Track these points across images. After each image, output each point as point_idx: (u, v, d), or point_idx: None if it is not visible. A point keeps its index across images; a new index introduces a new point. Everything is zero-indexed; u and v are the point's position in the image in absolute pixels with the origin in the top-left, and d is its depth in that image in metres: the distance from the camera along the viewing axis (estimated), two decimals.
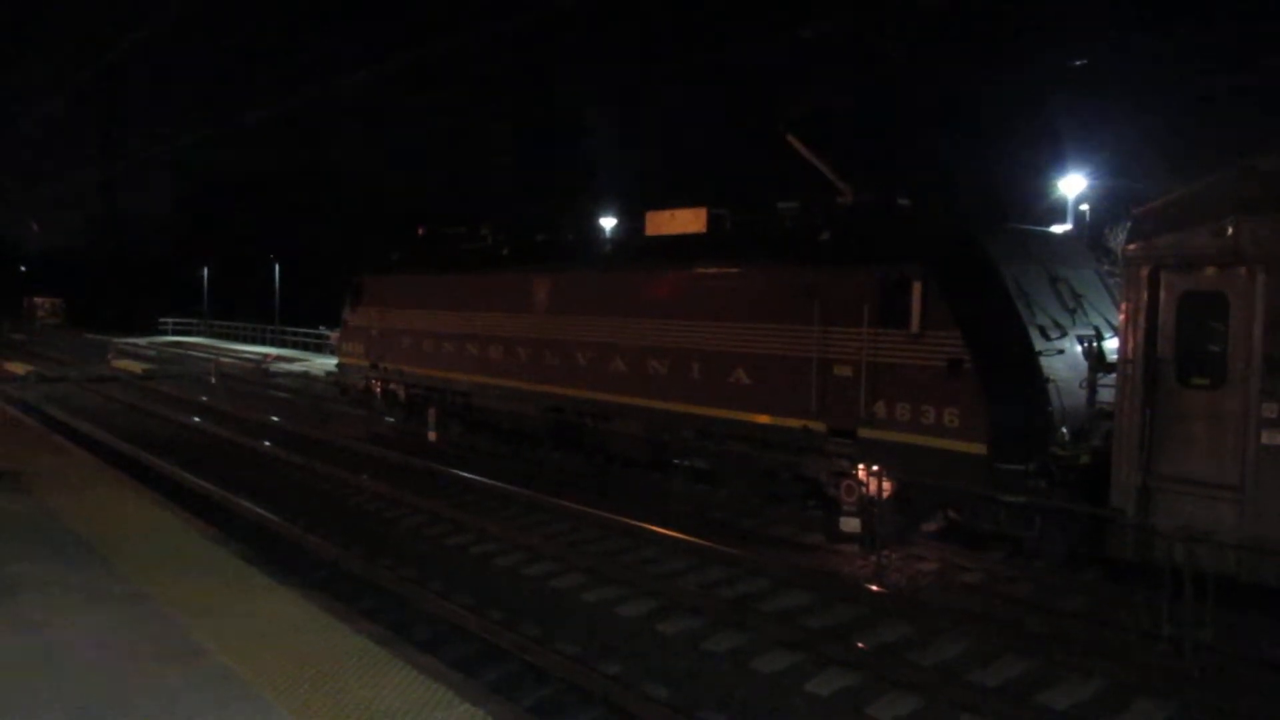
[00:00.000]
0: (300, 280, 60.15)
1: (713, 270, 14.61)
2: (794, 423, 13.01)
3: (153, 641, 6.89)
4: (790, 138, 14.78)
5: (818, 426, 12.75)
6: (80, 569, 8.63)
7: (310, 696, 5.99)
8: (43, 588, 8.06)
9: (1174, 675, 8.25)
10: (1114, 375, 10.34)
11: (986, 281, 11.58)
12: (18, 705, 5.85)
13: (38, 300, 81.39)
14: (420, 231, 23.09)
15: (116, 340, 48.28)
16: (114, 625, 7.22)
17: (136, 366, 37.23)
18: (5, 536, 9.71)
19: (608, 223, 31.57)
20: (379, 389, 22.58)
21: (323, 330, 43.95)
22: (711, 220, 15.47)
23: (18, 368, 35.76)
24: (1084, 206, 28.73)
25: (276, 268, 59.34)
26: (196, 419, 23.62)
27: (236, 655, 6.61)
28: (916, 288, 11.57)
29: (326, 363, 34.69)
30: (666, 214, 16.17)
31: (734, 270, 14.29)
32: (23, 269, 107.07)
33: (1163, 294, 9.62)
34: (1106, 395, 10.76)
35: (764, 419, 13.45)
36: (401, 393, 21.74)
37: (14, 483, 12.37)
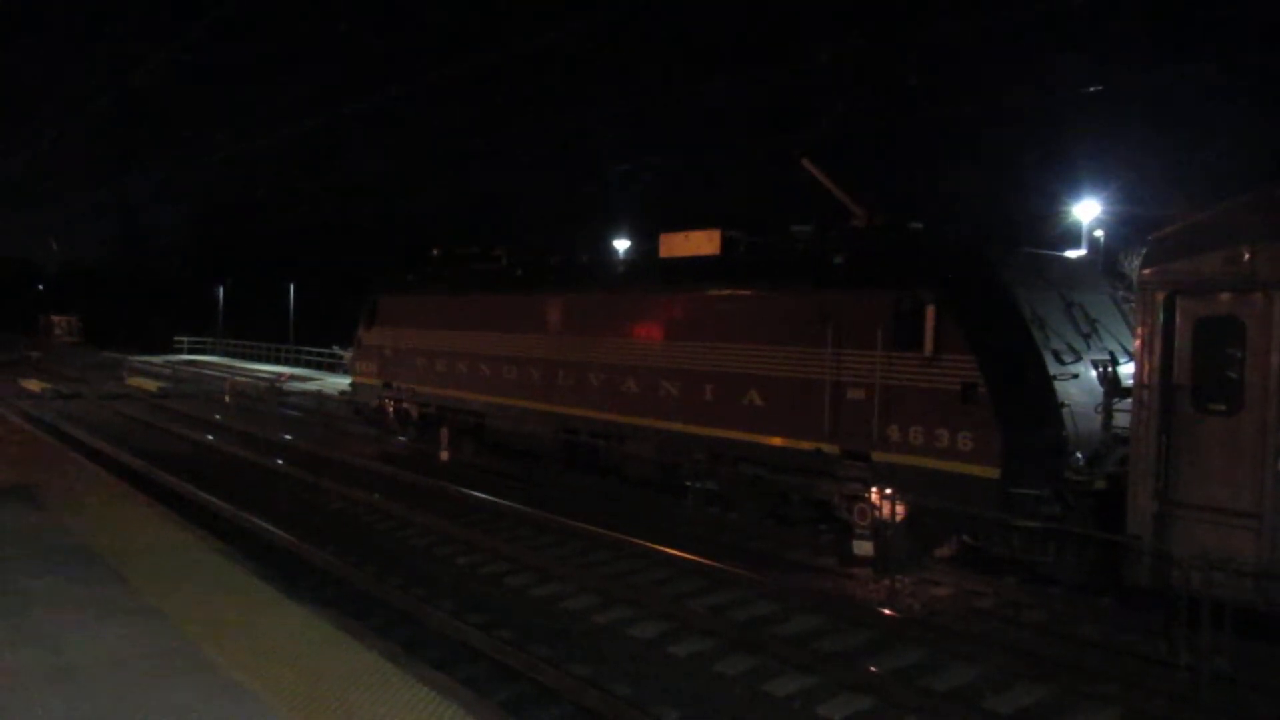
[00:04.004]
0: (315, 300, 60.49)
1: (726, 292, 14.64)
2: (807, 445, 12.98)
3: (165, 656, 6.89)
4: (805, 161, 14.83)
5: (830, 449, 12.71)
6: (94, 584, 8.65)
7: (321, 711, 5.97)
8: (57, 602, 8.08)
9: (1191, 704, 8.15)
10: (1129, 400, 10.30)
11: (1001, 305, 11.57)
12: (33, 715, 5.85)
13: (54, 318, 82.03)
14: (435, 252, 23.21)
15: (132, 358, 48.58)
16: (126, 639, 7.23)
17: (151, 384, 37.42)
18: (21, 551, 9.75)
19: (621, 244, 31.72)
20: (392, 408, 22.64)
21: (336, 350, 44.12)
22: (725, 242, 15.51)
23: (34, 385, 35.99)
24: (1098, 232, 28.71)
25: (291, 287, 59.67)
26: (210, 437, 23.71)
27: (248, 670, 6.60)
28: (930, 311, 11.56)
29: (340, 382, 34.81)
30: (680, 236, 16.21)
31: (747, 293, 14.31)
32: (40, 287, 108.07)
33: (1178, 319, 9.58)
34: (1122, 420, 10.71)
35: (776, 441, 13.43)
36: (414, 412, 21.79)
37: (30, 498, 12.43)
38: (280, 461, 19.81)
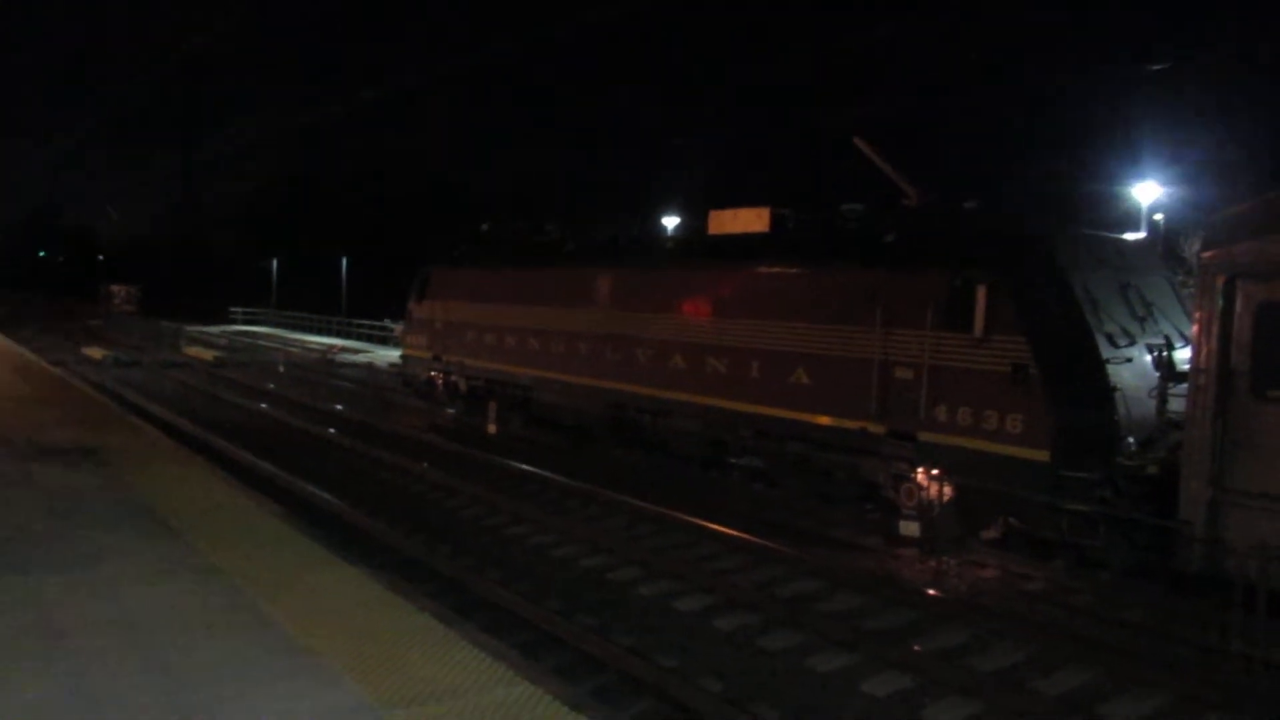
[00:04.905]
0: (367, 272, 61.21)
1: (775, 270, 14.61)
2: (853, 424, 12.96)
3: (224, 611, 7.12)
4: (857, 140, 14.71)
5: (877, 429, 12.68)
6: (155, 542, 8.93)
7: (375, 668, 6.15)
8: (121, 558, 8.36)
9: (1242, 692, 8.07)
10: (1184, 385, 10.15)
11: (1054, 286, 11.43)
12: (103, 664, 6.11)
13: (114, 288, 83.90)
14: (485, 227, 23.38)
15: (188, 328, 49.60)
16: (188, 595, 7.47)
17: (207, 354, 38.22)
18: (87, 510, 10.08)
19: (671, 221, 31.67)
20: (441, 381, 22.93)
21: (387, 323, 44.68)
22: (774, 220, 15.46)
23: (95, 352, 36.94)
24: (1158, 215, 28.09)
25: (344, 260, 60.43)
26: (264, 405, 24.22)
27: (304, 628, 6.80)
28: (981, 291, 11.45)
29: (390, 355, 35.29)
30: (729, 213, 16.20)
31: (796, 270, 14.27)
32: (100, 257, 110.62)
33: (1239, 303, 9.41)
34: (1177, 405, 10.56)
35: (823, 420, 13.41)
36: (463, 385, 22.06)
37: (94, 460, 12.82)
38: (332, 431, 20.19)
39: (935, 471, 11.87)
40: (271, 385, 28.72)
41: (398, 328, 30.28)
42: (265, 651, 6.38)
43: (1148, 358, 11.17)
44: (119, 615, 6.97)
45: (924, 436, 12.11)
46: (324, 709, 5.58)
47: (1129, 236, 15.77)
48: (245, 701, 5.64)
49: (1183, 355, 10.95)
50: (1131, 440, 10.64)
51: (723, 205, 16.54)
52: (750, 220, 15.73)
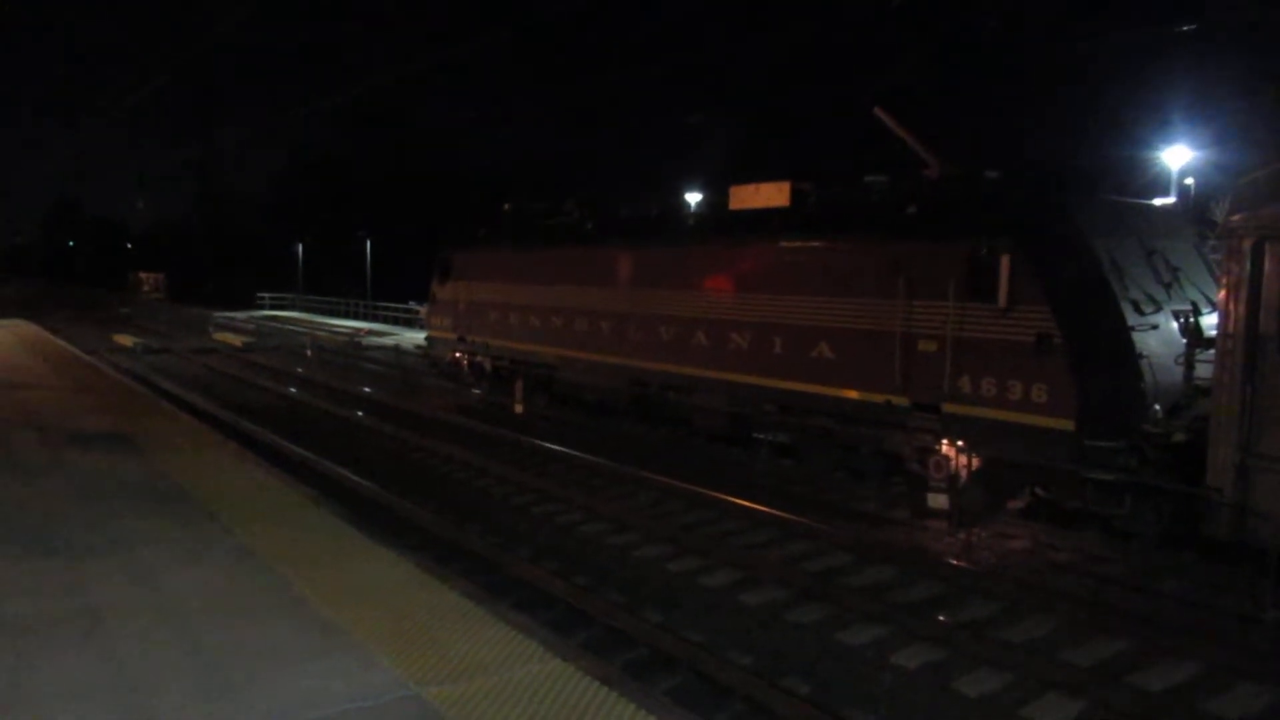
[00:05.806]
0: (391, 256, 61.43)
1: (796, 244, 14.56)
2: (877, 397, 12.93)
3: (259, 593, 7.24)
4: (878, 110, 14.57)
5: (901, 401, 12.64)
6: (189, 525, 9.08)
7: (408, 647, 6.25)
8: (156, 541, 8.51)
9: (1275, 660, 8.03)
10: (1212, 351, 10.04)
11: (1078, 255, 11.31)
12: (138, 645, 6.24)
13: (142, 275, 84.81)
14: (506, 207, 23.39)
15: (216, 314, 50.08)
16: (223, 577, 7.60)
17: (236, 339, 38.59)
18: (122, 494, 10.27)
19: (692, 197, 31.59)
20: (466, 362, 23.05)
21: (412, 305, 44.91)
22: (795, 194, 15.36)
23: (125, 340, 37.39)
24: (1188, 180, 27.65)
25: (368, 244, 60.67)
26: (293, 389, 24.46)
27: (337, 608, 6.92)
28: (1005, 261, 11.37)
29: (416, 337, 35.48)
30: (750, 188, 16.11)
31: (818, 244, 14.21)
32: (128, 246, 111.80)
33: (1267, 266, 9.27)
34: (1204, 372, 10.46)
35: (846, 393, 13.39)
36: (488, 365, 22.17)
37: (128, 444, 13.03)
38: (361, 413, 20.39)
39: (960, 443, 11.83)
40: (300, 369, 28.99)
41: (423, 310, 30.43)
42: (299, 631, 6.50)
43: (1174, 324, 11.06)
44: (154, 598, 7.12)
45: (949, 408, 12.07)
46: (358, 687, 5.69)
47: (1157, 202, 15.54)
48: (280, 680, 5.76)
49: (1210, 321, 10.84)
50: (1158, 407, 10.55)
51: (744, 180, 16.46)
52: (771, 195, 15.65)
